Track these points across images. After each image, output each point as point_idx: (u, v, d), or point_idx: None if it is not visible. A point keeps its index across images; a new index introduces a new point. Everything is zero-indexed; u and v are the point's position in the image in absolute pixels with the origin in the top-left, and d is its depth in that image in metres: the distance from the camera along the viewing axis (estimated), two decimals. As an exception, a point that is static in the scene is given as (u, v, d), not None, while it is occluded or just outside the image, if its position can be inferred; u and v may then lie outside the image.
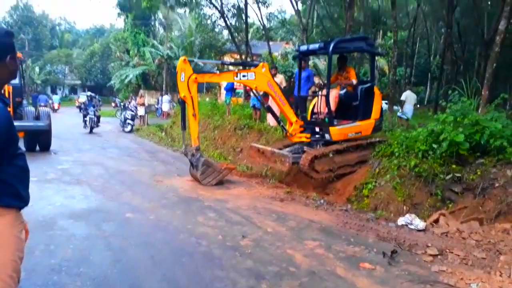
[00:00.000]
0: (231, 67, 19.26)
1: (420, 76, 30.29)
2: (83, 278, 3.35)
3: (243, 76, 7.40)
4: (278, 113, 8.51)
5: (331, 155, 7.28)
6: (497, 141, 5.52)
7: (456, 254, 3.95)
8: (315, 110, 8.10)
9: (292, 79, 11.39)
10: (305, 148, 7.72)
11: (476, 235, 4.42)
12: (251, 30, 24.37)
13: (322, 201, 6.32)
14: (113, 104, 28.86)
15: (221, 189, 6.92)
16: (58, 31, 65.07)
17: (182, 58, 7.15)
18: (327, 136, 7.59)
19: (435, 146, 6.17)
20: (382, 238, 4.55)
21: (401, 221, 5.11)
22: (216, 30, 23.15)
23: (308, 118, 8.21)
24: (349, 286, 3.33)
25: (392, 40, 23.63)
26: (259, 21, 20.76)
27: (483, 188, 5.38)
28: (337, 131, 7.53)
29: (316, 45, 7.94)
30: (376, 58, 28.18)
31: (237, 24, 21.06)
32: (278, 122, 8.21)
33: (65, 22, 71.10)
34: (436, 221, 5.03)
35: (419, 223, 4.92)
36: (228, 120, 12.25)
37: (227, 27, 19.49)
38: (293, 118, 7.80)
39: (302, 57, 8.94)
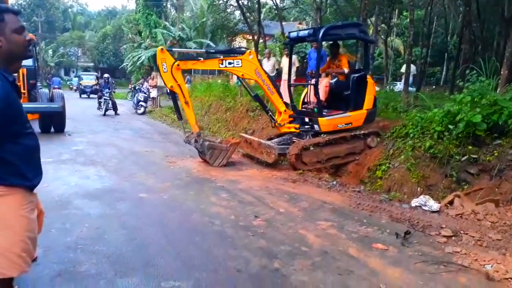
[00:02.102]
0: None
1: (437, 56, 29.55)
2: (99, 256, 3.42)
3: (229, 63, 7.18)
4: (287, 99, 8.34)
5: (318, 147, 7.12)
6: (516, 121, 5.37)
7: (471, 236, 3.91)
8: (306, 100, 7.92)
9: (305, 60, 11.21)
10: (294, 139, 7.58)
11: (491, 217, 4.35)
12: (263, 10, 23.96)
13: (334, 182, 6.29)
14: (129, 86, 28.49)
15: (233, 170, 6.94)
16: (71, 13, 64.99)
17: (159, 48, 7.02)
18: (316, 126, 7.42)
19: (451, 127, 6.05)
20: (395, 219, 4.53)
21: (415, 202, 5.07)
22: (228, 10, 22.80)
23: (299, 107, 8.05)
24: (361, 266, 3.32)
25: (408, 20, 23.05)
26: (272, 0, 20.38)
27: (500, 169, 5.26)
28: (326, 122, 7.34)
29: (306, 32, 7.71)
30: (390, 39, 27.70)
31: (249, 4, 20.71)
32: (266, 112, 7.98)
33: (77, 4, 71.05)
34: (451, 202, 4.97)
35: (433, 205, 4.87)
36: (240, 102, 12.20)
37: (239, 7, 19.17)
38: (282, 107, 7.61)
39: (292, 43, 8.64)
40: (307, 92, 7.94)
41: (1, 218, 1.80)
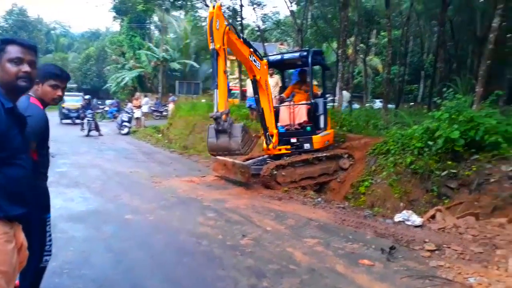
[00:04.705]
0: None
1: (413, 75, 30.42)
2: (85, 280, 3.38)
3: (254, 60, 7.02)
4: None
5: (292, 167, 7.20)
6: (492, 137, 5.59)
7: (454, 249, 4.00)
8: (286, 122, 7.85)
9: (286, 80, 11.37)
10: (268, 160, 7.61)
11: (472, 230, 4.47)
12: (245, 32, 24.40)
13: (319, 199, 6.36)
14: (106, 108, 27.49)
15: (220, 189, 6.94)
16: (53, 35, 64.79)
17: (217, 3, 6.24)
18: (306, 145, 7.58)
19: (430, 143, 6.25)
20: (380, 235, 4.60)
21: (398, 217, 5.16)
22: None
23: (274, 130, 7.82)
24: (349, 282, 3.37)
25: (385, 39, 23.72)
26: (254, 22, 20.81)
27: (479, 183, 5.45)
28: (319, 139, 7.64)
29: (296, 54, 7.85)
30: (369, 58, 28.36)
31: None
32: (265, 131, 7.42)
33: (60, 26, 70.89)
34: (433, 217, 5.09)
35: (416, 219, 4.98)
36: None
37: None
38: (274, 129, 7.54)
39: (273, 68, 8.64)
40: (282, 115, 7.91)
41: None
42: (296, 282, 3.37)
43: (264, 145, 7.67)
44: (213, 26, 6.00)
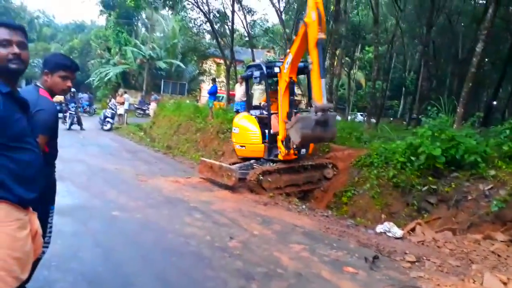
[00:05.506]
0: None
1: (395, 90, 31.24)
2: (74, 274, 3.40)
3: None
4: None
5: (278, 174, 7.32)
6: (471, 156, 5.84)
7: (433, 262, 4.18)
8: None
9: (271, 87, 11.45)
10: (255, 165, 7.73)
11: (450, 244, 4.68)
12: (234, 36, 24.57)
13: (304, 206, 6.50)
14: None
15: (205, 191, 6.99)
16: (36, 24, 63.28)
17: None
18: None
19: (413, 158, 6.47)
20: (362, 244, 4.75)
21: (379, 228, 5.35)
22: (201, 34, 23.19)
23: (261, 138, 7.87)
24: (334, 288, 3.49)
25: (369, 54, 24.28)
26: (244, 28, 20.93)
27: (457, 200, 5.68)
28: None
29: (302, 63, 7.81)
30: (353, 71, 28.91)
31: (221, 29, 21.21)
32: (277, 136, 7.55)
33: (43, 15, 69.25)
34: (413, 229, 5.28)
35: (397, 231, 5.17)
36: (211, 124, 12.32)
37: (214, 32, 19.56)
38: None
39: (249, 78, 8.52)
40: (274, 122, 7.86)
41: None
42: (284, 285, 3.47)
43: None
44: (322, 15, 5.74)
